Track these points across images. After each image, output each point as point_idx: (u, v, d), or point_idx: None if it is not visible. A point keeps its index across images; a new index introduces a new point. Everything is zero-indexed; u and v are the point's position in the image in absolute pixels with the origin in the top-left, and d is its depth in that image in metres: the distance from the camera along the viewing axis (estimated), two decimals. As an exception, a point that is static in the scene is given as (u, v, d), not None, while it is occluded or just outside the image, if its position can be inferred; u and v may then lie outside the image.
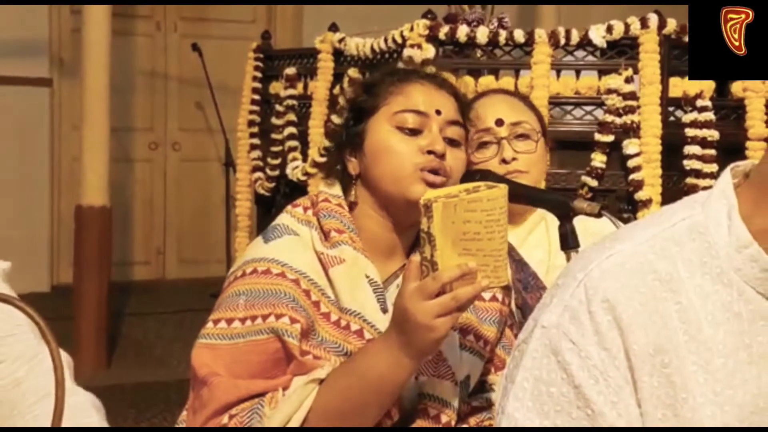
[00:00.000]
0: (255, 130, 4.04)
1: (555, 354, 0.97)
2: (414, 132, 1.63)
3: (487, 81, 3.13)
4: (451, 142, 1.65)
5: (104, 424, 1.34)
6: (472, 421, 1.69)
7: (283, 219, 1.67)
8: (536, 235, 2.08)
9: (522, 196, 1.82)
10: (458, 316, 1.46)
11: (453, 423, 1.62)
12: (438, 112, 1.64)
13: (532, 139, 2.04)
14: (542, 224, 2.09)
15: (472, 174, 1.87)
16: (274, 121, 3.86)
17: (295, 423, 1.49)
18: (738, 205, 1.00)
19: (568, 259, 1.79)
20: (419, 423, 1.61)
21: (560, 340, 0.97)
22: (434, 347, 1.50)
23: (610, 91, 3.07)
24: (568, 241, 1.79)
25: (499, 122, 2.03)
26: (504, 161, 2.00)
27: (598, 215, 1.75)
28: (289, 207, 1.69)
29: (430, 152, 1.61)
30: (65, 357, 1.37)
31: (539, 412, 0.97)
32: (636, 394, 0.95)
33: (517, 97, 2.20)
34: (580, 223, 1.82)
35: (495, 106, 2.08)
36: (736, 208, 1.00)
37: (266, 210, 4.06)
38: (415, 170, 1.60)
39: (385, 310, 1.61)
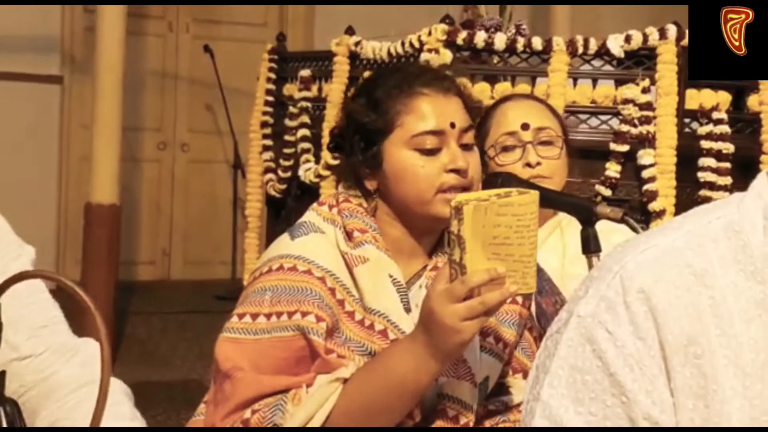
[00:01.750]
0: (267, 131, 4.03)
1: (591, 343, 0.98)
2: (433, 151, 1.63)
3: (503, 87, 3.13)
4: (466, 147, 1.65)
5: (135, 412, 1.33)
6: (488, 424, 1.68)
7: (309, 216, 1.67)
8: (551, 242, 2.09)
9: (545, 199, 1.82)
10: (485, 320, 1.46)
11: (471, 425, 1.62)
12: (452, 125, 1.63)
13: (555, 146, 2.07)
14: (557, 231, 2.11)
15: (494, 177, 1.88)
16: (288, 122, 3.85)
17: (317, 421, 1.49)
18: None
19: (589, 263, 1.80)
20: (438, 424, 1.61)
21: (596, 329, 0.98)
22: (459, 350, 1.50)
23: (626, 101, 3.07)
24: (590, 245, 1.80)
25: (525, 126, 2.06)
26: (528, 165, 2.03)
27: (621, 220, 1.76)
28: (314, 205, 1.70)
29: (452, 170, 1.61)
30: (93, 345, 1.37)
31: (574, 399, 0.98)
32: (669, 383, 0.96)
33: (543, 103, 2.23)
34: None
35: (521, 109, 2.11)
36: None
37: (276, 212, 4.06)
38: (440, 191, 1.61)
39: (408, 310, 1.61)
